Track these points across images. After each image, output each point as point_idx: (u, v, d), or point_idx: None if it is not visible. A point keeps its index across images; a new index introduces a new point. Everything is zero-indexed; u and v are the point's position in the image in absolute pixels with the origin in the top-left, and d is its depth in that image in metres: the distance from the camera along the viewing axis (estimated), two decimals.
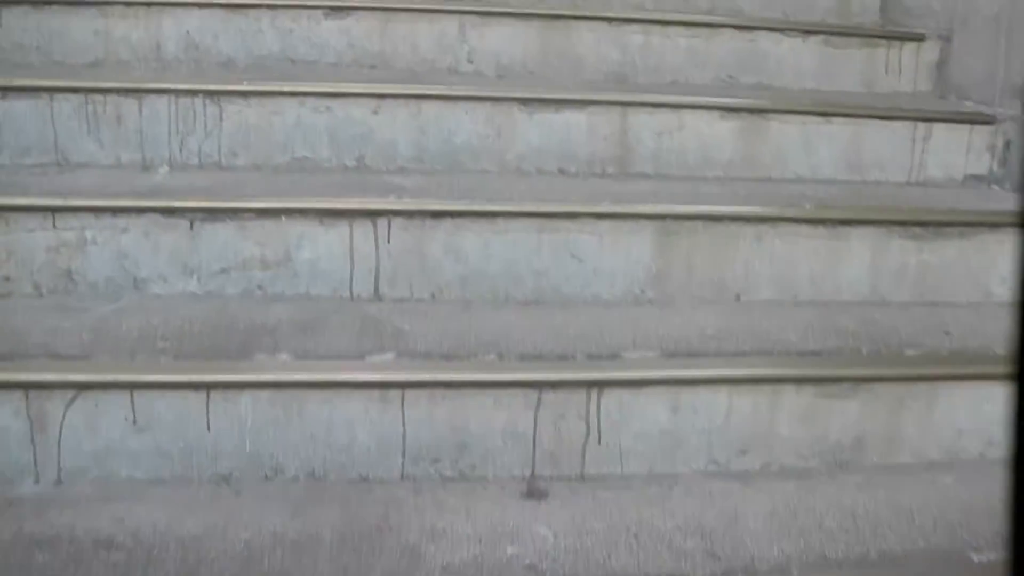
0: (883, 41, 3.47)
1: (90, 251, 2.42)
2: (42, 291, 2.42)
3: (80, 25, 3.08)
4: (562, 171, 2.87)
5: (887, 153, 3.05)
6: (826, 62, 3.42)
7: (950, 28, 3.45)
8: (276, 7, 3.12)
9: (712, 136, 2.94)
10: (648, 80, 3.28)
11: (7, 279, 2.42)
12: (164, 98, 2.74)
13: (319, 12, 3.12)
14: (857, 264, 2.64)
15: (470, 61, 3.19)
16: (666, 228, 2.53)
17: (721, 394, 2.21)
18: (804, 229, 2.60)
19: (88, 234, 2.41)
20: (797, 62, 3.40)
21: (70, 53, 3.08)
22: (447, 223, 2.45)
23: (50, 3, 3.08)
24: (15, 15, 3.08)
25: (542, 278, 2.50)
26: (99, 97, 2.73)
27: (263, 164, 2.78)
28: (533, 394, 2.14)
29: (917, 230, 2.66)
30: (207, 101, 2.74)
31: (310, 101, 2.78)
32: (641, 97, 2.93)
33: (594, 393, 2.16)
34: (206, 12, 3.10)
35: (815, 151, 3.01)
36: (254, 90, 2.76)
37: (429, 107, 2.81)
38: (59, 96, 2.74)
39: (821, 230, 2.62)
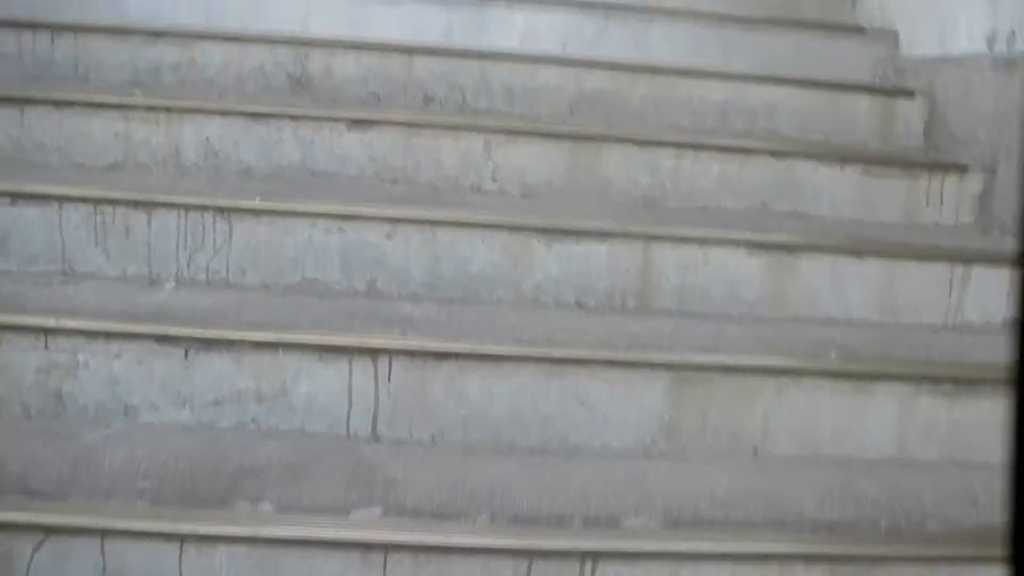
0: (924, 171, 3.35)
1: (82, 375, 2.34)
2: (31, 412, 2.35)
3: (101, 127, 3.03)
4: (580, 304, 2.77)
5: (923, 295, 2.92)
6: (864, 191, 3.30)
7: (995, 159, 3.33)
8: (298, 117, 3.06)
9: (739, 272, 2.83)
10: (678, 205, 3.18)
11: None
12: (174, 212, 2.68)
13: (342, 124, 3.06)
14: (883, 421, 2.51)
15: (494, 179, 3.10)
16: (681, 378, 2.42)
17: (725, 569, 2.09)
18: (828, 383, 2.49)
19: (80, 357, 2.34)
20: (834, 190, 3.29)
21: (89, 155, 3.03)
22: (450, 364, 2.36)
23: (72, 104, 3.04)
24: (37, 114, 3.04)
25: (548, 425, 2.39)
26: (108, 208, 2.68)
27: (272, 284, 2.70)
28: (523, 563, 2.03)
29: (949, 386, 2.53)
30: (217, 217, 2.68)
31: (322, 222, 2.70)
32: (665, 230, 2.83)
33: (588, 564, 2.04)
34: (227, 119, 3.04)
35: (846, 291, 2.89)
36: (266, 208, 2.69)
37: (444, 233, 2.73)
38: (68, 205, 2.68)
39: (846, 384, 2.49)
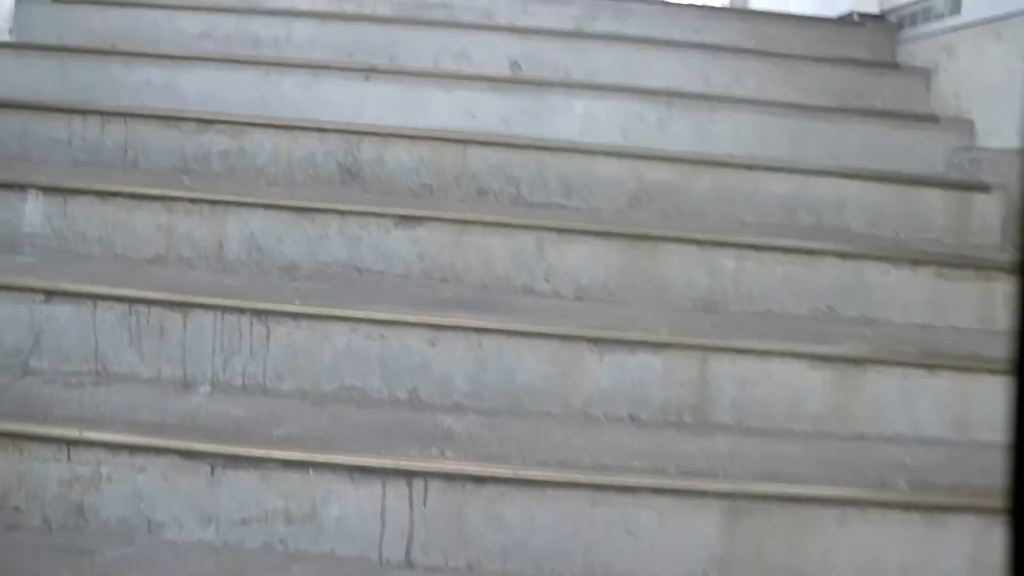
0: (1001, 272, 3.16)
1: (104, 488, 2.24)
2: (51, 526, 2.25)
3: (144, 219, 2.96)
4: (633, 418, 2.62)
5: (1000, 411, 2.72)
6: (937, 295, 3.13)
7: None
8: (345, 213, 2.96)
9: (801, 386, 2.67)
10: (739, 309, 3.03)
11: (17, 510, 2.26)
12: (209, 314, 2.58)
13: (389, 220, 2.95)
14: (956, 555, 2.33)
15: (547, 280, 2.98)
16: (737, 507, 2.27)
17: None
18: (896, 514, 2.31)
19: (103, 470, 2.24)
20: (905, 295, 3.11)
21: (131, 247, 2.96)
22: (490, 488, 2.22)
23: (115, 195, 2.97)
24: (80, 205, 2.97)
25: (592, 554, 2.24)
26: (143, 308, 2.59)
27: (309, 391, 2.59)
28: None
29: None
30: (254, 320, 2.58)
31: (363, 327, 2.59)
32: (724, 342, 2.68)
33: None
34: (272, 213, 2.95)
35: (917, 406, 2.72)
36: (304, 312, 2.59)
37: (490, 341, 2.60)
38: (103, 304, 2.61)
39: (916, 515, 2.32)
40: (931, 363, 2.73)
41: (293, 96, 3.71)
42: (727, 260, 3.04)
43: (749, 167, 3.49)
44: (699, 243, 3.04)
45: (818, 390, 2.68)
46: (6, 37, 4.06)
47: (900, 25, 4.69)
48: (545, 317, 2.74)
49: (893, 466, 2.48)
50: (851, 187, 3.52)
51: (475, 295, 2.90)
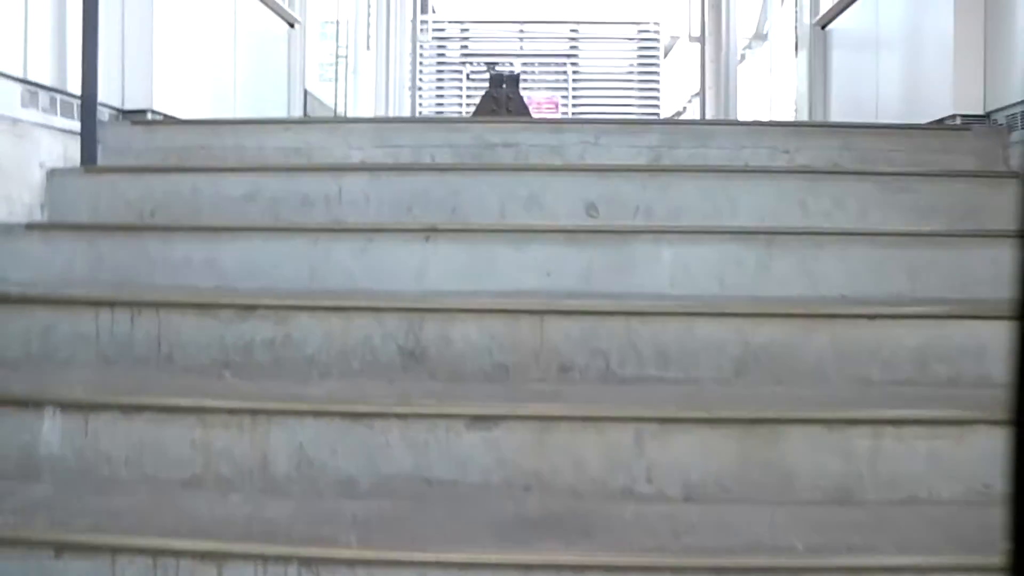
0: None
1: None
2: None
3: (175, 435, 2.55)
4: None
5: None
6: None
7: None
8: (407, 416, 2.52)
9: None
10: (879, 497, 2.53)
11: None
12: (249, 565, 2.15)
13: (460, 422, 2.51)
14: None
15: (649, 480, 2.51)
16: None
17: None
18: None
19: None
20: None
21: (162, 468, 2.55)
22: None
23: (142, 409, 2.57)
24: (103, 421, 2.58)
25: None
26: (170, 560, 2.17)
27: None
28: None
29: None
30: (303, 570, 2.14)
31: (434, 573, 2.14)
32: (875, 560, 2.18)
33: None
34: (322, 422, 2.53)
35: None
36: (362, 557, 2.14)
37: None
38: (122, 557, 2.20)
39: None
40: None
41: (345, 265, 3.31)
42: (860, 440, 2.56)
43: (870, 316, 3.01)
44: (826, 423, 2.56)
45: None
46: (37, 214, 3.73)
47: (1010, 127, 4.22)
48: (652, 534, 2.27)
49: None
50: (988, 329, 3.01)
51: (565, 506, 2.44)
